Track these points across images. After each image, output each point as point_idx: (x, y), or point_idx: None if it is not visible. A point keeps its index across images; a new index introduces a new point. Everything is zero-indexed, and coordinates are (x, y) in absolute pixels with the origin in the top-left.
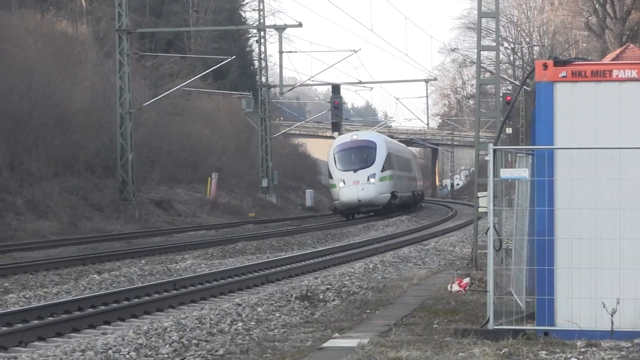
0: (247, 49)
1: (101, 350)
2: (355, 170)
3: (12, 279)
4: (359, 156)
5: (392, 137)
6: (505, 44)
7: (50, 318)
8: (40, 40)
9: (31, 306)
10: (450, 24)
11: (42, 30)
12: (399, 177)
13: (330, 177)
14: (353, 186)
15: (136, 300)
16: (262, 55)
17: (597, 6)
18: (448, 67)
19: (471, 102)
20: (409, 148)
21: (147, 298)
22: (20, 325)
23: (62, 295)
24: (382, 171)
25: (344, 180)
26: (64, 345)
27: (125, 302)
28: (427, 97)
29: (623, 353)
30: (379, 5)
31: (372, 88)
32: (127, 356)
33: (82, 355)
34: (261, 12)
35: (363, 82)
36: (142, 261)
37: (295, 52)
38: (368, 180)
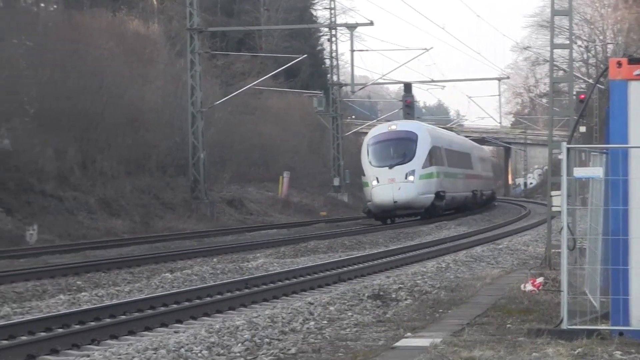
0: (319, 48)
1: (173, 348)
2: (390, 166)
3: (84, 277)
4: (396, 150)
5: (467, 137)
6: (579, 42)
7: (123, 316)
8: (112, 40)
9: (104, 304)
10: (523, 22)
11: (114, 29)
12: (451, 175)
13: (363, 174)
14: (388, 185)
15: (208, 298)
16: (334, 54)
17: None
18: (521, 66)
19: (544, 100)
20: (474, 143)
21: (219, 297)
22: (93, 323)
23: (134, 293)
24: (423, 167)
25: (377, 178)
26: (136, 344)
27: (198, 301)
28: (499, 95)
29: None
30: (451, 3)
31: (444, 87)
32: (199, 354)
33: (155, 353)
34: (332, 11)
35: (435, 81)
36: (214, 260)
37: (367, 50)
38: (406, 177)
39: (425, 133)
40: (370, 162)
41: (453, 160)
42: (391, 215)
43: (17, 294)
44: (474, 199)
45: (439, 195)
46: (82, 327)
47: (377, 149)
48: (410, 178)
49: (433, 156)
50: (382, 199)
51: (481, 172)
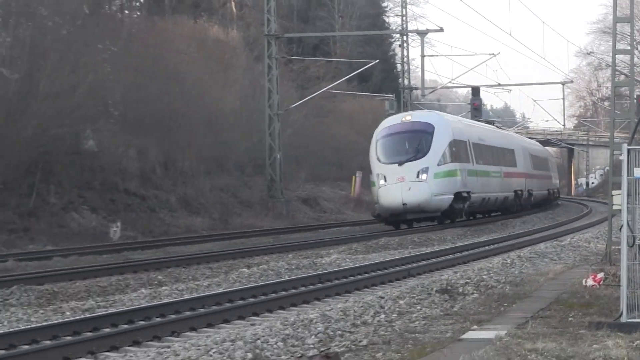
0: (390, 53)
1: (250, 340)
2: (400, 163)
3: (165, 272)
4: (409, 144)
5: (531, 138)
6: None
7: (202, 309)
8: (193, 45)
9: (183, 298)
10: (587, 29)
11: (195, 35)
12: (481, 173)
13: (371, 172)
14: (397, 184)
15: (283, 292)
16: (405, 59)
17: None
18: (584, 70)
19: (606, 103)
20: (524, 138)
21: (293, 291)
22: (173, 316)
23: (212, 287)
24: (440, 164)
25: (385, 177)
26: (214, 335)
27: (273, 295)
28: (563, 99)
29: None
30: (517, 9)
31: (510, 90)
32: (275, 346)
33: (232, 344)
34: (404, 18)
35: (502, 85)
36: (289, 255)
37: (437, 55)
38: (417, 176)
39: (444, 125)
40: (378, 159)
41: (485, 156)
42: (404, 220)
43: (101, 288)
44: (517, 200)
45: (460, 197)
46: (162, 319)
47: (386, 143)
48: (423, 177)
49: (454, 151)
50: (390, 201)
51: (531, 170)
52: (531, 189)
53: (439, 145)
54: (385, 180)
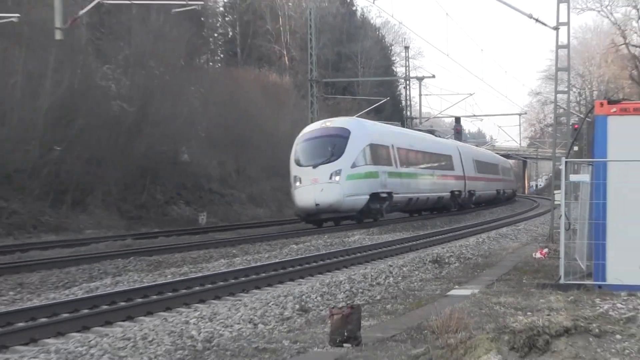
0: (397, 93)
1: (297, 295)
2: (315, 166)
3: (237, 247)
4: (324, 148)
5: (498, 154)
6: (574, 89)
7: (263, 274)
8: (257, 87)
9: (251, 265)
10: (537, 75)
11: (259, 80)
12: (405, 175)
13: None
14: (310, 186)
15: (321, 262)
16: (407, 97)
17: (637, 63)
18: (534, 105)
19: (550, 129)
20: (466, 145)
21: (328, 261)
22: (243, 279)
23: (271, 258)
24: (354, 167)
25: (300, 179)
26: (272, 292)
27: (314, 263)
28: (519, 125)
29: None
30: (488, 62)
31: (482, 119)
32: (315, 300)
33: (285, 298)
34: (407, 68)
35: (476, 115)
36: (325, 236)
37: (430, 94)
38: (330, 178)
39: (361, 130)
40: (295, 162)
41: (414, 160)
42: (318, 219)
43: (192, 259)
44: (453, 199)
45: (379, 197)
46: (235, 280)
47: (304, 147)
48: (336, 178)
49: (372, 154)
50: (304, 202)
51: (474, 174)
52: (473, 189)
53: (354, 148)
54: (301, 182)
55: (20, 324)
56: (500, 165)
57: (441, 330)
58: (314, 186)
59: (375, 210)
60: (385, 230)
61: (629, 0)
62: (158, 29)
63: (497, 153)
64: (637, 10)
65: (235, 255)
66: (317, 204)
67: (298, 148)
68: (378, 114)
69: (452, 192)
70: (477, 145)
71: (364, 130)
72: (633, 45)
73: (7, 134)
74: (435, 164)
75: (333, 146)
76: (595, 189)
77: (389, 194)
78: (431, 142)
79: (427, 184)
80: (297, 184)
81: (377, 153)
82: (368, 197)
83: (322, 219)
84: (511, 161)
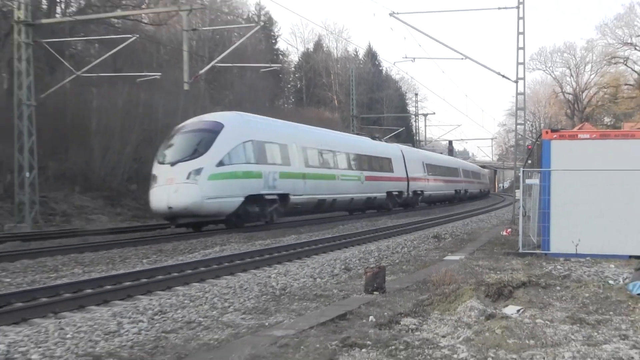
0: (409, 124)
1: (342, 259)
2: (173, 164)
3: (305, 227)
4: (188, 144)
5: (480, 166)
6: (528, 122)
7: (320, 245)
8: (316, 121)
9: (312, 239)
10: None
11: (317, 116)
12: (311, 176)
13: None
14: (164, 186)
15: (358, 237)
16: (417, 127)
17: (569, 105)
18: (502, 132)
19: (512, 148)
20: (399, 145)
21: (364, 236)
22: (307, 248)
23: (326, 235)
24: (221, 165)
25: (157, 178)
26: (326, 257)
27: (354, 238)
28: (492, 146)
29: (579, 262)
30: (471, 104)
31: (467, 142)
32: (355, 262)
33: (334, 262)
34: (416, 107)
35: (463, 139)
36: (362, 221)
37: (432, 125)
38: (188, 177)
39: (239, 125)
40: (157, 159)
41: (330, 161)
42: (195, 223)
43: (274, 235)
44: (390, 199)
45: (263, 200)
46: (301, 249)
47: (170, 143)
48: (195, 178)
49: (255, 152)
50: (156, 204)
51: (424, 176)
52: (420, 189)
53: (225, 145)
54: (156, 182)
55: (160, 277)
56: (462, 169)
57: (439, 283)
58: (168, 187)
59: (255, 214)
60: (401, 217)
61: (563, 63)
62: (251, 82)
63: (478, 165)
64: (569, 70)
65: (302, 232)
66: (170, 207)
67: (163, 144)
68: (397, 139)
69: (388, 192)
70: (464, 160)
71: (244, 126)
72: (567, 93)
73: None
74: (365, 166)
75: (199, 142)
76: (542, 189)
77: (283, 195)
78: (360, 145)
79: (351, 185)
80: (153, 183)
81: (264, 151)
82: (242, 199)
83: (195, 222)
84: (486, 170)
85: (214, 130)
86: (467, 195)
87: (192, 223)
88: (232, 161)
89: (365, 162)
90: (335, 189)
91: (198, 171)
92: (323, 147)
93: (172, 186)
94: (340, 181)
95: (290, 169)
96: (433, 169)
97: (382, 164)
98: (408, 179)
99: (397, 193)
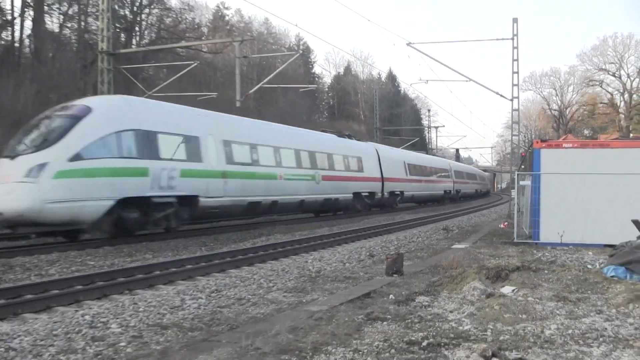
0: (423, 135)
1: (367, 247)
2: (13, 157)
3: (335, 221)
4: (40, 132)
5: (484, 170)
6: (522, 134)
7: (349, 235)
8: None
9: (342, 231)
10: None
11: (347, 128)
12: (238, 174)
13: None
14: None
15: (381, 229)
16: (429, 138)
17: (555, 120)
18: (500, 142)
19: (509, 155)
20: (348, 141)
21: (385, 228)
22: (337, 238)
23: (353, 227)
24: (78, 159)
25: None
26: (353, 245)
27: (377, 230)
28: (492, 153)
29: (563, 250)
30: (474, 118)
31: (471, 150)
32: (377, 250)
33: (360, 249)
34: (429, 121)
35: (468, 147)
36: (384, 215)
37: (442, 136)
38: (28, 174)
39: (113, 109)
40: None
41: (269, 158)
42: (63, 231)
43: (310, 227)
44: (356, 200)
45: (151, 203)
46: (333, 239)
47: (23, 130)
48: (36, 176)
49: (138, 144)
50: None
51: (403, 176)
52: (399, 190)
53: (87, 134)
54: None
55: (216, 261)
56: (454, 170)
57: (447, 267)
58: (1, 186)
59: (136, 222)
60: (419, 212)
61: (550, 85)
62: (291, 100)
63: (481, 168)
64: (555, 90)
65: (334, 225)
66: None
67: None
68: (413, 147)
69: (356, 193)
70: (469, 164)
71: (124, 112)
72: (553, 110)
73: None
74: (324, 164)
75: (52, 130)
76: (533, 189)
77: (188, 198)
78: (316, 141)
79: (301, 185)
80: None
81: (155, 144)
82: (113, 203)
83: (63, 231)
84: (486, 173)
85: (77, 116)
86: (460, 195)
87: (48, 232)
88: (96, 154)
89: (323, 160)
90: (276, 190)
91: (41, 167)
92: (259, 143)
93: (6, 185)
94: (285, 181)
95: (201, 166)
96: (416, 169)
97: (348, 163)
98: (383, 179)
99: (367, 194)
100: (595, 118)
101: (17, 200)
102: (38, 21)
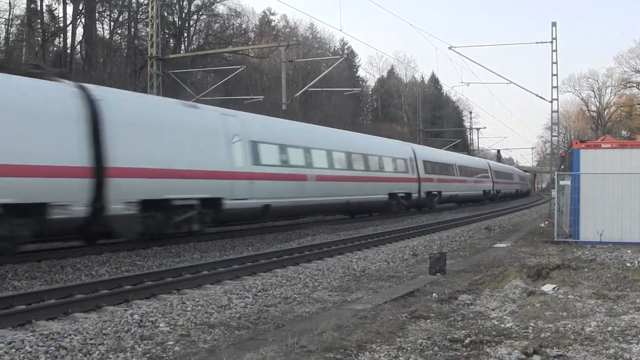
0: (465, 136)
1: (410, 247)
2: None
3: (382, 220)
4: None
5: (525, 171)
6: (561, 134)
7: (394, 235)
8: (390, 133)
9: (387, 230)
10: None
11: (390, 130)
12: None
13: None
14: None
15: (424, 228)
16: (471, 139)
17: (594, 121)
18: (540, 143)
19: (549, 156)
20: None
21: (428, 228)
22: (382, 237)
23: (392, 227)
24: None
25: None
26: (397, 245)
27: (420, 230)
28: (532, 154)
29: (602, 248)
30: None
31: (512, 151)
32: (421, 249)
33: (403, 249)
34: (471, 122)
35: (508, 148)
36: (427, 215)
37: (483, 137)
38: None
39: None
40: None
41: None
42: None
43: (355, 226)
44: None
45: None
46: (377, 239)
47: None
48: None
49: None
50: None
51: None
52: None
53: None
54: None
55: (262, 261)
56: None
57: (489, 266)
58: None
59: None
60: (461, 212)
61: (589, 87)
62: (336, 103)
63: (521, 169)
64: (594, 92)
65: (378, 224)
66: None
67: None
68: (455, 148)
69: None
70: (510, 165)
71: None
72: (592, 111)
73: None
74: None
75: None
76: (573, 189)
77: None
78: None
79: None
80: None
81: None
82: None
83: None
84: (527, 173)
85: None
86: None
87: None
88: None
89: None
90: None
91: None
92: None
93: None
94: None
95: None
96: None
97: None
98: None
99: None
100: (632, 119)
101: None
102: (89, 28)
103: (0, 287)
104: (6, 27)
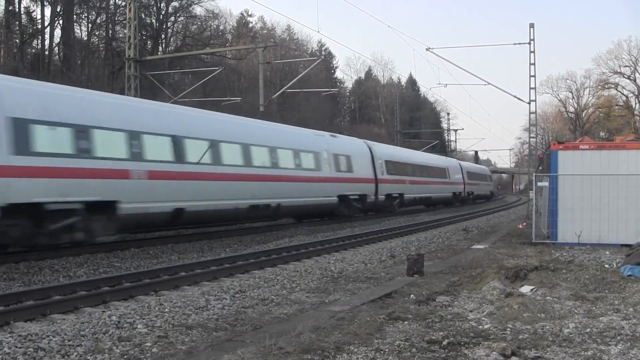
0: (443, 137)
1: (389, 248)
2: None
3: (360, 222)
4: None
5: (502, 172)
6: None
7: (371, 236)
8: (368, 135)
9: (364, 232)
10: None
11: (368, 131)
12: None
13: None
14: None
15: (402, 230)
16: (449, 140)
17: (572, 122)
18: (517, 144)
19: (527, 157)
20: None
21: (405, 229)
22: (359, 239)
23: (374, 228)
24: None
25: None
26: (375, 246)
27: (397, 231)
28: (510, 155)
29: (581, 249)
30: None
31: (490, 152)
32: (399, 250)
33: (381, 250)
34: (448, 124)
35: (486, 150)
36: (404, 216)
37: (461, 139)
38: None
39: None
40: None
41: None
42: None
43: (333, 228)
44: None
45: None
46: (355, 240)
47: None
48: None
49: None
50: None
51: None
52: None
53: None
54: None
55: (240, 262)
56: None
57: (467, 267)
58: None
59: None
60: (438, 214)
61: (567, 88)
62: (314, 104)
63: (497, 171)
64: (572, 93)
65: (356, 226)
66: None
67: None
68: (432, 150)
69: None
70: (488, 166)
71: None
72: (570, 112)
73: None
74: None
75: None
76: (551, 190)
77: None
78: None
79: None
80: None
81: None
82: None
83: None
84: (505, 175)
85: None
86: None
87: None
88: None
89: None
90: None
91: None
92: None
93: None
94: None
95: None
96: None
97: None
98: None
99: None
100: (611, 120)
101: None
102: (67, 29)
103: None
104: None
